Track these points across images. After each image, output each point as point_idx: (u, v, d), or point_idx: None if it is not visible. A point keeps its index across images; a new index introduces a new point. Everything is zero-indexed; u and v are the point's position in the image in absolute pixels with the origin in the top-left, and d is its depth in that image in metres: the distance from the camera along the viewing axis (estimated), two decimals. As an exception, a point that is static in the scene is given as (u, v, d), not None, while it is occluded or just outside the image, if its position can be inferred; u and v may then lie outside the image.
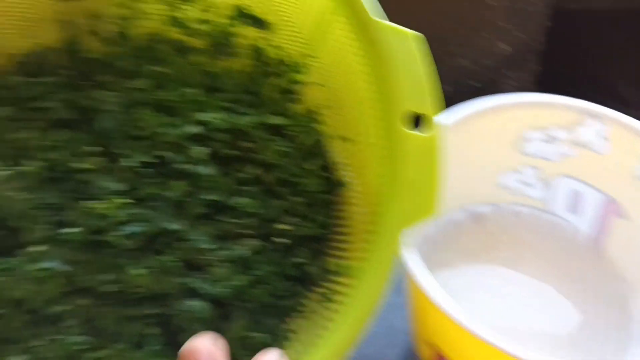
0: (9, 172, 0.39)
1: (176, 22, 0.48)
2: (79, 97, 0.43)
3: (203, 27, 0.48)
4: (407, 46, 0.35)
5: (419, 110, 0.35)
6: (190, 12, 0.47)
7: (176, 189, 0.40)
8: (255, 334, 0.39)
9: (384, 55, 0.35)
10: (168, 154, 0.41)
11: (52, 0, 0.45)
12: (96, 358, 0.37)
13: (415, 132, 0.34)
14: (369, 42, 0.35)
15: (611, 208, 0.48)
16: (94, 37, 0.47)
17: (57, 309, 0.37)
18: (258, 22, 0.45)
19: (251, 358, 0.39)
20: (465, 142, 0.50)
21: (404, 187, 0.34)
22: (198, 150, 0.41)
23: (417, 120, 0.36)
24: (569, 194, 0.51)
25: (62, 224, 0.39)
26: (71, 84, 0.45)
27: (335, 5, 0.36)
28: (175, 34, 0.48)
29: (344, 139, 0.43)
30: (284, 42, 0.46)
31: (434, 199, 0.34)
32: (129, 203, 0.39)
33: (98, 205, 0.39)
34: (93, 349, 0.38)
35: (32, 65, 0.46)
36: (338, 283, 0.39)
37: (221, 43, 0.48)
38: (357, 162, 0.42)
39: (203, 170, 0.41)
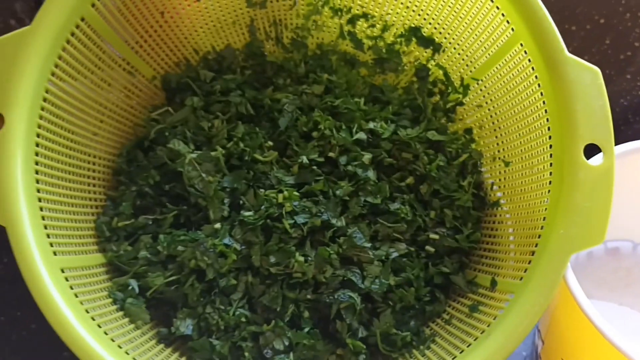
0: (197, 153, 0.44)
1: (349, 36, 0.51)
2: (260, 96, 0.48)
3: (372, 42, 0.51)
4: (588, 79, 0.36)
5: (597, 141, 0.36)
6: (363, 28, 0.51)
7: (342, 189, 0.43)
8: (400, 332, 0.41)
9: (567, 87, 0.36)
10: (338, 156, 0.45)
11: (245, 6, 0.50)
12: (255, 331, 0.41)
13: (591, 162, 0.36)
14: (556, 75, 0.36)
15: None
16: (273, 43, 0.52)
17: (229, 282, 0.41)
18: (429, 43, 0.48)
19: (394, 355, 0.41)
20: (627, 176, 0.49)
21: (574, 213, 0.35)
22: (366, 156, 0.44)
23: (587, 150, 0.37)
24: None
25: (240, 207, 0.44)
26: (251, 83, 0.50)
27: (528, 38, 0.37)
28: (345, 46, 0.52)
29: (503, 160, 0.45)
30: (450, 63, 0.48)
31: (604, 228, 0.35)
32: (300, 196, 0.43)
33: (273, 194, 0.43)
34: (254, 323, 0.41)
35: (219, 63, 0.51)
36: (489, 297, 0.40)
37: (388, 59, 0.51)
38: (512, 184, 0.44)
39: (368, 174, 0.44)
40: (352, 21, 0.51)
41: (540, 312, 0.35)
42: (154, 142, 0.46)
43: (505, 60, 0.43)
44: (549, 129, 0.39)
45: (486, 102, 0.47)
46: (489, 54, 0.44)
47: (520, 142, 0.43)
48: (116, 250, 0.42)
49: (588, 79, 0.36)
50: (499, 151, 0.46)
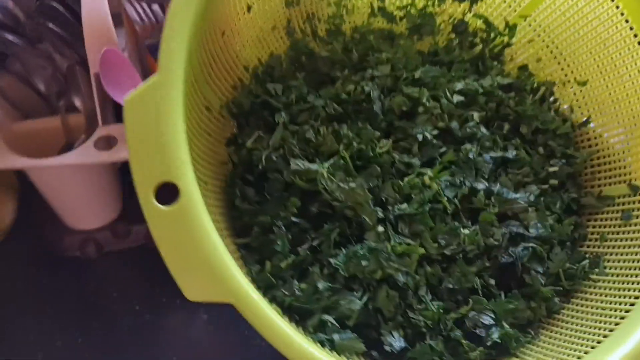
0: (327, 166, 0.40)
1: (380, 12, 0.50)
2: (337, 92, 0.45)
3: (404, 12, 0.51)
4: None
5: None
6: (393, 1, 0.50)
7: (466, 152, 0.43)
8: (575, 265, 0.43)
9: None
10: (450, 123, 0.44)
11: (282, 7, 0.46)
12: (457, 317, 0.39)
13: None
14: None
15: None
16: (310, 39, 0.49)
17: (415, 280, 0.39)
18: (465, -4, 0.49)
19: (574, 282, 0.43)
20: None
21: None
22: (475, 114, 0.44)
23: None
24: None
25: (383, 204, 0.41)
26: (310, 83, 0.47)
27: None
28: (378, 23, 0.51)
29: (576, 82, 0.48)
30: (490, 9, 0.50)
31: None
32: (437, 173, 0.42)
33: (416, 180, 0.41)
34: (451, 310, 0.40)
35: (269, 74, 0.47)
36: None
37: (422, 24, 0.51)
38: (596, 99, 0.47)
39: (483, 131, 0.44)
40: (382, -5, 0.50)
41: None
42: (262, 171, 0.42)
43: (563, -11, 0.45)
44: (635, 35, 0.42)
45: (538, 35, 0.49)
46: (540, -12, 0.47)
47: (596, 59, 0.46)
48: (290, 293, 0.38)
49: None
50: (566, 75, 0.49)
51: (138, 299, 0.57)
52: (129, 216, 0.61)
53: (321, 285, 0.38)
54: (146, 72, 0.56)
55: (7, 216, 0.56)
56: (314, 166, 0.40)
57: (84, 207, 0.60)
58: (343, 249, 0.39)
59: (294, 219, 0.40)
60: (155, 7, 0.54)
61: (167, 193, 0.32)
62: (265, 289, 0.37)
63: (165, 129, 0.31)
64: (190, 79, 0.34)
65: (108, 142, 0.53)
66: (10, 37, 0.51)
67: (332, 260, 0.38)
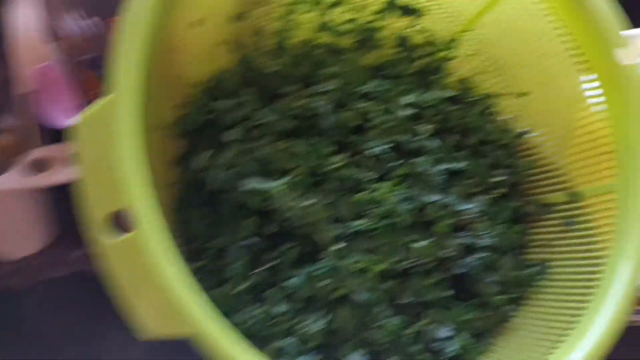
0: (282, 184, 0.39)
1: (326, 26, 0.50)
2: (287, 107, 0.44)
3: (349, 26, 0.51)
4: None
5: (623, 45, 0.42)
6: (337, 15, 0.50)
7: (419, 165, 0.44)
8: (524, 272, 0.44)
9: (586, 5, 0.42)
10: (400, 137, 0.44)
11: (227, 23, 0.45)
12: (419, 329, 0.40)
13: (627, 63, 0.42)
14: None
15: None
16: (258, 54, 0.49)
17: (373, 296, 0.39)
18: (409, 11, 0.50)
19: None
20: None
21: (635, 109, 0.41)
22: (428, 127, 0.45)
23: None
24: None
25: (339, 221, 0.41)
26: (260, 99, 0.46)
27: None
28: (324, 38, 0.51)
29: (517, 94, 0.49)
30: (432, 24, 0.51)
31: None
32: (392, 187, 0.42)
33: (367, 196, 0.41)
34: (411, 323, 0.40)
35: (218, 90, 0.46)
36: (581, 208, 0.45)
37: (367, 38, 0.51)
38: (536, 110, 0.49)
39: (432, 144, 0.45)
40: (327, 10, 0.50)
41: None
42: (214, 191, 0.40)
43: (501, 5, 0.47)
44: (571, 49, 0.44)
45: (479, 50, 0.51)
46: (480, 5, 0.48)
47: (534, 71, 0.48)
48: (249, 318, 0.37)
49: None
50: (505, 88, 0.50)
51: (80, 327, 0.54)
52: (65, 242, 0.58)
53: (281, 308, 0.37)
54: (86, 88, 0.53)
55: None
56: (268, 185, 0.39)
57: (15, 235, 0.56)
58: (301, 269, 0.39)
59: (250, 240, 0.39)
60: (96, 19, 0.51)
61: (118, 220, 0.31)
62: (224, 315, 0.36)
63: (120, 151, 0.29)
64: (142, 98, 0.32)
65: (40, 165, 0.51)
66: None
67: (291, 282, 0.38)
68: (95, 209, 0.28)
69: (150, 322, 0.28)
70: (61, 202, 0.60)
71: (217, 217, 0.40)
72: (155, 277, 0.28)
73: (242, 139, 0.42)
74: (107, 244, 0.28)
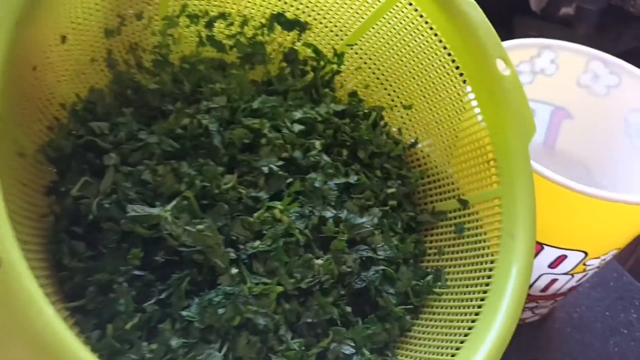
0: (169, 209, 0.37)
1: (209, 41, 0.48)
2: (168, 127, 0.42)
3: (234, 41, 0.49)
4: (473, 9, 0.44)
5: (501, 56, 0.44)
6: (221, 29, 0.49)
7: (312, 181, 0.43)
8: (420, 282, 0.44)
9: (465, 19, 0.43)
10: (292, 154, 0.43)
11: (102, 37, 0.42)
12: (321, 350, 0.39)
13: (504, 73, 0.44)
14: (452, 12, 0.43)
15: (560, 114, 0.64)
16: (135, 71, 0.45)
17: (275, 320, 0.37)
18: (294, 25, 0.49)
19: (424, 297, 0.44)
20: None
21: (513, 114, 0.43)
22: (318, 142, 0.44)
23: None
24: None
25: (233, 244, 0.39)
26: (139, 119, 0.43)
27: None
28: (207, 52, 0.49)
29: (402, 106, 0.50)
30: (318, 38, 0.51)
31: (533, 119, 0.43)
32: (287, 205, 0.41)
33: (265, 215, 0.40)
34: (313, 345, 0.39)
35: (90, 111, 0.42)
36: (468, 214, 0.46)
37: (252, 53, 0.50)
38: (422, 122, 0.50)
39: (325, 159, 0.44)
40: (209, 25, 0.48)
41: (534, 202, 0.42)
42: (93, 221, 0.37)
43: (384, 18, 0.47)
44: (453, 61, 0.46)
45: (365, 63, 0.51)
46: (362, 18, 0.48)
47: (419, 83, 0.49)
48: (140, 357, 0.33)
49: (473, 10, 0.43)
50: (392, 100, 0.51)
51: None
52: None
53: (174, 342, 0.34)
54: None
55: None
56: (155, 210, 0.36)
57: None
58: (196, 298, 0.36)
59: (136, 272, 0.36)
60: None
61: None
62: (109, 357, 0.33)
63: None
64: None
65: None
66: None
67: (184, 313, 0.35)
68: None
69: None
70: None
71: (97, 250, 0.36)
72: (25, 322, 0.25)
73: (120, 163, 0.39)
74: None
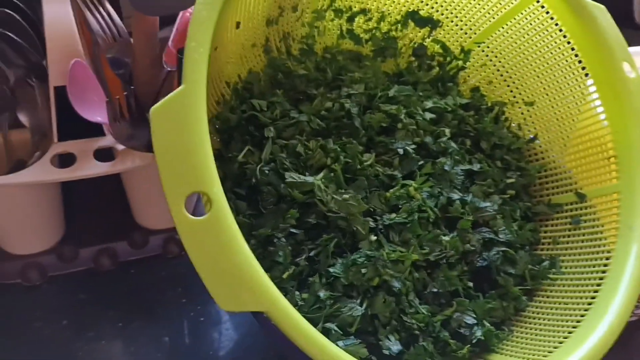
0: (320, 178, 0.42)
1: (348, 34, 0.53)
2: (315, 108, 0.47)
3: (370, 35, 0.54)
4: (602, 14, 0.46)
5: (628, 60, 0.46)
6: (360, 24, 0.53)
7: (442, 165, 0.46)
8: (536, 267, 0.47)
9: (595, 24, 0.46)
10: (425, 138, 0.47)
11: (263, 25, 0.48)
12: (445, 318, 0.42)
13: (630, 76, 0.46)
14: (582, 17, 0.46)
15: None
16: (285, 57, 0.51)
17: (407, 285, 0.41)
18: (427, 22, 0.53)
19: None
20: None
21: (635, 117, 0.45)
22: (447, 130, 0.48)
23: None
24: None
25: (370, 215, 0.43)
26: (288, 101, 0.48)
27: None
28: (346, 45, 0.54)
29: (524, 103, 0.53)
30: (447, 35, 0.54)
31: None
32: (420, 184, 0.45)
33: (402, 192, 0.44)
34: (437, 313, 0.43)
35: (248, 90, 0.48)
36: (585, 207, 0.48)
37: (385, 47, 0.54)
38: (543, 118, 0.53)
39: (454, 146, 0.48)
40: (351, 19, 0.53)
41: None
42: (253, 185, 0.42)
43: (514, 18, 0.50)
44: (580, 61, 0.48)
45: (490, 60, 0.54)
46: (493, 18, 0.52)
47: (543, 81, 0.51)
48: (293, 304, 0.38)
49: (603, 14, 0.46)
50: (514, 97, 0.54)
51: (91, 325, 0.54)
52: (75, 239, 0.58)
53: (322, 294, 0.39)
54: (104, 85, 0.54)
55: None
56: (309, 179, 0.41)
57: (26, 230, 0.56)
58: (339, 259, 0.41)
59: (293, 230, 0.41)
60: (118, 19, 0.52)
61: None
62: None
63: (193, 138, 0.31)
64: (205, 90, 0.34)
65: (64, 160, 0.51)
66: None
67: (331, 270, 0.40)
68: (173, 193, 0.30)
69: (227, 298, 0.30)
70: (71, 200, 0.60)
71: (257, 209, 0.42)
72: (230, 255, 0.30)
73: (276, 137, 0.44)
74: (187, 225, 0.30)
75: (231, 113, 0.45)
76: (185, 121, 0.31)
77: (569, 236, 0.49)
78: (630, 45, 0.48)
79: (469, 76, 0.56)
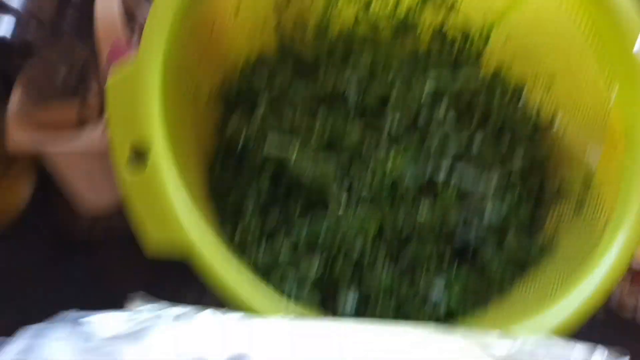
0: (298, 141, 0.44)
1: (364, 20, 0.55)
2: (318, 82, 0.49)
3: (386, 21, 0.55)
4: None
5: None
6: (376, 10, 0.55)
7: (432, 135, 0.47)
8: (528, 251, 0.45)
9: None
10: (423, 112, 0.48)
11: (270, 11, 0.52)
12: (410, 279, 0.43)
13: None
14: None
15: None
16: (298, 43, 0.54)
17: (373, 249, 0.43)
18: (444, 5, 0.54)
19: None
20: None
21: None
22: (444, 102, 0.48)
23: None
24: None
25: (350, 183, 0.45)
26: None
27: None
28: (361, 31, 0.56)
29: (542, 86, 0.51)
30: (466, 18, 0.54)
31: None
32: (403, 157, 0.46)
33: (380, 163, 0.45)
34: (404, 282, 0.43)
35: (257, 70, 0.52)
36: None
37: (403, 32, 0.55)
38: (560, 100, 0.50)
39: (448, 119, 0.48)
40: (367, 5, 0.55)
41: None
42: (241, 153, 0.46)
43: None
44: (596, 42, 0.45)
45: (510, 43, 0.53)
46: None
47: (561, 64, 0.49)
48: (254, 254, 0.42)
49: None
50: (533, 81, 0.52)
51: (158, 282, 0.59)
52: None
53: (285, 250, 0.42)
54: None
55: (23, 195, 0.61)
56: (285, 136, 0.44)
57: (97, 187, 0.63)
58: (307, 220, 0.43)
59: (265, 185, 0.44)
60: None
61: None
62: (236, 248, 0.41)
63: (140, 98, 0.36)
64: (174, 64, 0.38)
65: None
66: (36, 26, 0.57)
67: (295, 229, 0.42)
68: (117, 147, 0.35)
69: (152, 242, 0.34)
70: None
71: (241, 173, 0.46)
72: (161, 197, 0.34)
73: (270, 103, 0.48)
74: (125, 174, 0.35)
75: (231, 88, 0.49)
76: (135, 85, 0.36)
77: (568, 221, 0.46)
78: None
79: (488, 60, 0.55)
